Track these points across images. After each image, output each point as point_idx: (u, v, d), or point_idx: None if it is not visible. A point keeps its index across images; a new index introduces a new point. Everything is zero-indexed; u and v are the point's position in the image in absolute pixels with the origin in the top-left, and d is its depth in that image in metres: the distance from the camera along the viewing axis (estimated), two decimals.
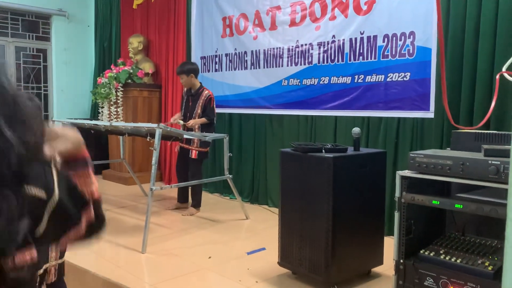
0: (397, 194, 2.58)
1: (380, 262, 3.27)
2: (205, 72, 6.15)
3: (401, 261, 2.57)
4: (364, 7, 4.38)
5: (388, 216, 3.88)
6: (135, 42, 6.94)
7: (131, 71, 6.66)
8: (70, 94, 7.74)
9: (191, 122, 4.91)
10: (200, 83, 5.10)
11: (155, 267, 3.57)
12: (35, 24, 7.57)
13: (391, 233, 3.59)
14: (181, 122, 5.02)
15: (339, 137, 4.63)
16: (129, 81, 6.62)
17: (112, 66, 6.91)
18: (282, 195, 3.24)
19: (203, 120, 4.95)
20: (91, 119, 7.17)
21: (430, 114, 3.96)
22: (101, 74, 6.98)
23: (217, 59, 6.01)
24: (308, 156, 3.02)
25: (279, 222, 3.26)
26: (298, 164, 3.11)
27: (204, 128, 4.99)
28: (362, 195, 3.07)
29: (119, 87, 6.61)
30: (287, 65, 5.09)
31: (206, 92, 5.01)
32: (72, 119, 6.57)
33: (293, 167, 3.15)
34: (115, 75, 6.59)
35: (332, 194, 2.89)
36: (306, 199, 3.04)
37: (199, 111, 4.97)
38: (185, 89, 5.18)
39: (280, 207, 3.28)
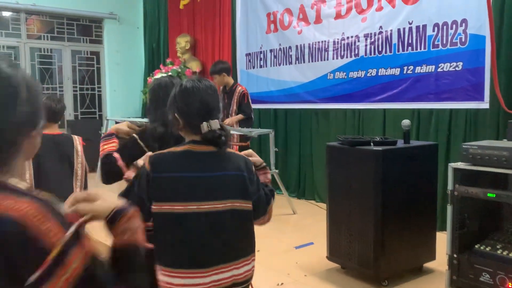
0: (449, 187, 2.51)
1: (432, 257, 3.18)
2: (250, 68, 6.20)
3: (455, 255, 2.50)
4: None
5: (441, 210, 3.77)
6: (182, 42, 7.11)
7: (179, 70, 6.84)
8: (122, 93, 8.07)
9: (227, 121, 4.88)
10: (234, 80, 5.13)
11: None
12: (89, 28, 7.94)
13: (444, 228, 3.48)
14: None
15: (388, 131, 4.54)
16: None
17: (161, 66, 7.13)
18: (330, 189, 3.23)
19: (240, 117, 4.97)
20: (142, 118, 7.43)
21: (484, 105, 3.79)
22: (151, 74, 7.22)
23: (261, 55, 6.04)
24: (356, 149, 2.99)
25: (327, 216, 3.25)
26: (345, 158, 3.08)
27: (242, 124, 5.03)
28: (412, 189, 3.00)
29: None
30: (333, 58, 5.04)
31: (240, 88, 5.06)
32: (125, 117, 6.84)
33: (340, 161, 3.13)
34: (164, 75, 6.79)
35: (381, 187, 2.84)
36: (355, 193, 3.01)
37: (234, 107, 5.03)
38: (221, 88, 5.25)
39: (328, 202, 3.26)
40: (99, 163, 2.03)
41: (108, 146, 1.95)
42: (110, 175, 1.89)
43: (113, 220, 0.86)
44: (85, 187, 2.79)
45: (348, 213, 3.06)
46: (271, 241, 4.02)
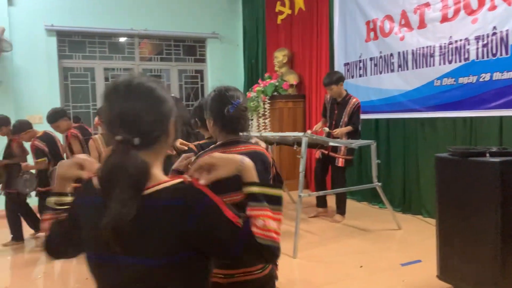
0: None
1: None
2: (349, 78, 6.08)
3: None
4: None
5: None
6: (280, 56, 7.23)
7: (277, 83, 6.96)
8: None
9: (337, 131, 4.88)
10: (345, 90, 5.06)
11: (306, 272, 3.63)
12: (193, 48, 8.46)
13: None
14: (327, 129, 5.01)
15: (505, 140, 4.10)
16: (275, 93, 6.92)
17: (259, 81, 7.32)
18: (440, 204, 3.00)
19: (349, 128, 4.92)
20: None
21: None
22: (250, 89, 7.45)
23: (361, 64, 5.89)
24: (470, 161, 2.75)
25: (437, 233, 3.02)
26: (457, 171, 2.85)
27: (349, 136, 4.94)
28: None
29: (266, 99, 6.95)
30: (440, 64, 4.73)
31: (354, 100, 4.98)
32: None
33: (452, 174, 2.89)
34: (263, 89, 6.97)
35: (500, 202, 2.57)
36: (468, 209, 2.76)
37: (345, 119, 4.96)
38: (328, 97, 5.17)
39: (438, 217, 3.03)
40: None
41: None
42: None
43: None
44: None
45: (462, 230, 2.81)
46: (374, 256, 3.85)
